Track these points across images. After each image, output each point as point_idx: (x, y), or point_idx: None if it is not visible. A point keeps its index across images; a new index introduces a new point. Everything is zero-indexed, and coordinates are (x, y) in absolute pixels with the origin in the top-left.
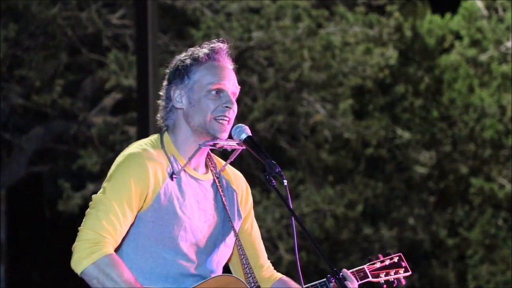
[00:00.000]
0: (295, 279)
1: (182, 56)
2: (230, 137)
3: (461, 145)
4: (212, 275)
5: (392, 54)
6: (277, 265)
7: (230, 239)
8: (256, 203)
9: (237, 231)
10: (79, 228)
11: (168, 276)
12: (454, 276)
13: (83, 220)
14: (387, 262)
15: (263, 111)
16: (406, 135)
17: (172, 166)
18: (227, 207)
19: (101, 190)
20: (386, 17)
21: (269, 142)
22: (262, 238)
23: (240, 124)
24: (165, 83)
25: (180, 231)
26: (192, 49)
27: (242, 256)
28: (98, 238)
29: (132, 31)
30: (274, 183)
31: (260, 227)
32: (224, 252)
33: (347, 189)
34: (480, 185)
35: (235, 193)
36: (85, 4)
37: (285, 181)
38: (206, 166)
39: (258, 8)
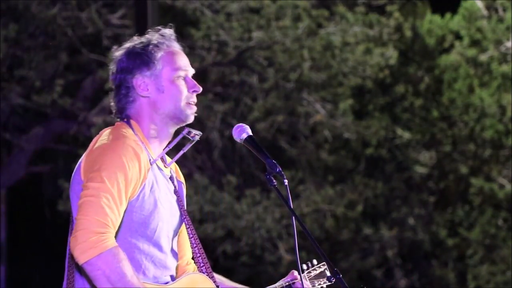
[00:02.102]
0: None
1: (138, 44)
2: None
3: (461, 145)
4: (184, 275)
5: (392, 54)
6: (277, 265)
7: (183, 230)
8: (256, 203)
9: (189, 222)
10: (77, 217)
11: (144, 268)
12: (454, 276)
13: (82, 208)
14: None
15: (263, 111)
16: (406, 135)
17: (148, 155)
18: (181, 200)
19: (96, 179)
20: (386, 17)
21: (269, 142)
22: (263, 238)
23: (240, 124)
24: (118, 73)
25: (159, 222)
26: (144, 37)
27: (194, 242)
28: (104, 229)
29: (132, 31)
30: (275, 183)
31: (260, 227)
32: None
33: (347, 189)
34: (480, 185)
35: (182, 185)
36: (85, 4)
37: (285, 180)
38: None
39: (258, 8)
